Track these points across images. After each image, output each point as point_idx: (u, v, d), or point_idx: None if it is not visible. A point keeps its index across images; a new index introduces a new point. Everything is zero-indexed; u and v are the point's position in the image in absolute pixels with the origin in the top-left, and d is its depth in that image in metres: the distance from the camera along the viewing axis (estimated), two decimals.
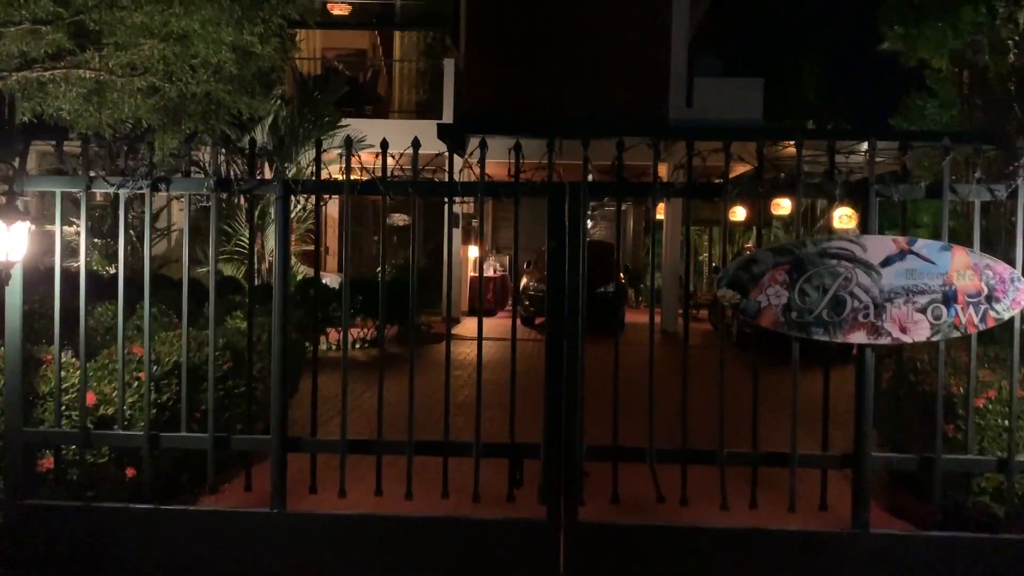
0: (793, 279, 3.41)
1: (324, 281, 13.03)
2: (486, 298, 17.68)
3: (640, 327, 14.31)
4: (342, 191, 3.45)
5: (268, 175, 13.15)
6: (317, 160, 3.58)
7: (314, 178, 3.43)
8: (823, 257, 3.40)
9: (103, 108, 7.57)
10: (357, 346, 12.64)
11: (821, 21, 31.25)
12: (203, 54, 6.71)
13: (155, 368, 4.75)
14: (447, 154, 3.69)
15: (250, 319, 3.81)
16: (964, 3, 10.29)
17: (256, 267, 13.51)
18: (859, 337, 3.42)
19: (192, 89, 7.51)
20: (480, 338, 3.91)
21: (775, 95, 19.51)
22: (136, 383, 4.59)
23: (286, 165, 13.06)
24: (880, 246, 3.39)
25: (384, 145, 3.43)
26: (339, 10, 15.27)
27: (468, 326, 15.53)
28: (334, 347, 11.88)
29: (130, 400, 4.46)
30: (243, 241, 13.27)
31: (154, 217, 13.82)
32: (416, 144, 3.49)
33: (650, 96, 15.71)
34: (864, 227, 3.48)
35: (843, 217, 16.87)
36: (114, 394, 4.40)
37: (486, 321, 16.02)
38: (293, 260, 14.70)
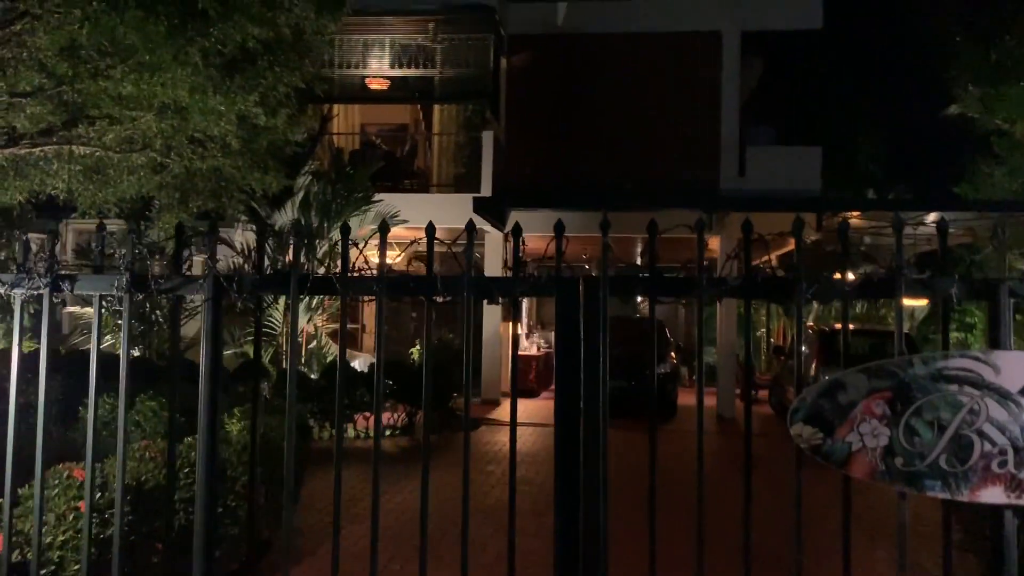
0: (896, 412, 2.46)
1: (353, 364, 12.30)
2: (528, 378, 16.72)
3: (693, 410, 13.19)
4: (288, 290, 2.64)
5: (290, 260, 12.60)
6: (259, 248, 2.81)
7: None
8: (938, 381, 2.45)
9: (105, 186, 7.02)
10: (387, 433, 11.80)
11: (877, 87, 30.28)
12: (201, 126, 6.14)
13: (98, 496, 3.96)
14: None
15: (171, 434, 2.99)
16: None
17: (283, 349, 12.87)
18: (994, 495, 2.43)
19: (197, 165, 6.95)
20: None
21: (831, 164, 18.58)
22: (75, 514, 3.81)
23: (318, 242, 12.54)
24: (1020, 366, 2.43)
25: (345, 231, 2.64)
26: (377, 84, 14.96)
27: (508, 408, 14.56)
28: (362, 435, 11.08)
29: (61, 539, 3.67)
30: (272, 321, 12.67)
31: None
32: (384, 229, 2.69)
33: (700, 166, 14.90)
34: (993, 339, 2.53)
35: None
36: (43, 530, 3.62)
37: (528, 404, 14.98)
38: (324, 340, 14.08)
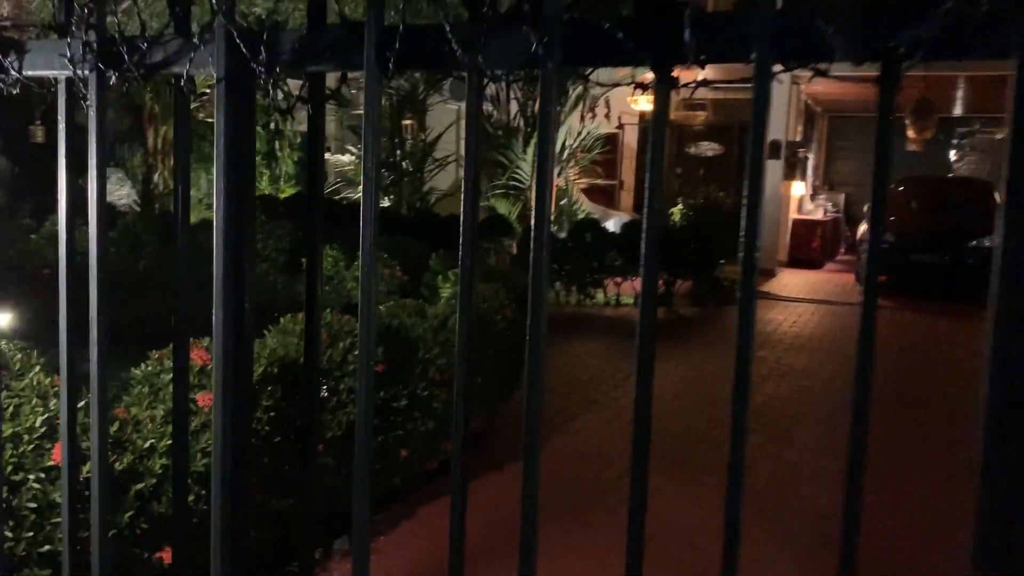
0: None
1: (607, 224, 10.89)
2: (811, 247, 14.36)
3: None
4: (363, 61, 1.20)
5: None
6: None
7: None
8: None
9: None
10: (635, 303, 10.42)
11: None
12: None
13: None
14: None
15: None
16: None
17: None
18: None
19: None
20: None
21: None
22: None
23: None
24: None
25: None
26: None
27: (786, 280, 12.53)
28: (612, 301, 9.80)
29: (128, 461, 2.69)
30: (519, 174, 11.54)
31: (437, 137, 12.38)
32: None
33: None
34: None
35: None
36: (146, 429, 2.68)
37: (809, 275, 12.61)
38: (576, 197, 12.69)
